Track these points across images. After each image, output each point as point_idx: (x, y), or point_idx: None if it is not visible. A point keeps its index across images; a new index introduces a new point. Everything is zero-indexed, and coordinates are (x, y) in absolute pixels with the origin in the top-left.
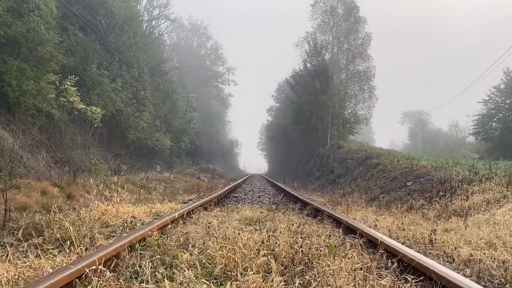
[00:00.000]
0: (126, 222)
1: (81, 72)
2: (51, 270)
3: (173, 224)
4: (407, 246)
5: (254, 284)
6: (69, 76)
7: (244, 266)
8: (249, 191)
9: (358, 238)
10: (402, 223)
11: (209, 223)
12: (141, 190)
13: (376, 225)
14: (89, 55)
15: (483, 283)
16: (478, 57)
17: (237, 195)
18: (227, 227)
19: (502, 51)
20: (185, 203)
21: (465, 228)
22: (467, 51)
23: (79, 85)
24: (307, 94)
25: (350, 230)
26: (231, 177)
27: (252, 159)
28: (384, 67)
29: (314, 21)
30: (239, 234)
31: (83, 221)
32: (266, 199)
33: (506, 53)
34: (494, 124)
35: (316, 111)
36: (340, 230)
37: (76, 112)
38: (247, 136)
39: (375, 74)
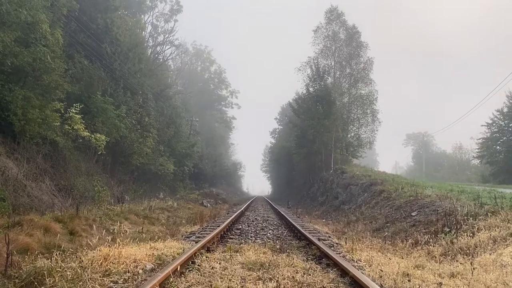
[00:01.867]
0: (128, 272)
1: (86, 99)
2: None
3: (175, 277)
4: None
5: None
6: (74, 104)
7: None
8: (253, 220)
9: None
10: (407, 268)
11: (212, 268)
12: (144, 221)
13: (381, 276)
14: (94, 82)
15: None
16: (481, 80)
17: (240, 226)
18: (231, 279)
19: (505, 74)
20: (188, 237)
21: (472, 273)
22: (470, 74)
23: (83, 112)
24: (310, 118)
25: (356, 284)
26: (234, 201)
27: (256, 181)
28: (387, 88)
29: (316, 46)
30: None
31: (84, 270)
32: (270, 231)
33: (507, 78)
34: (498, 147)
35: (319, 135)
36: (346, 280)
37: (81, 140)
38: (251, 157)
39: (377, 98)
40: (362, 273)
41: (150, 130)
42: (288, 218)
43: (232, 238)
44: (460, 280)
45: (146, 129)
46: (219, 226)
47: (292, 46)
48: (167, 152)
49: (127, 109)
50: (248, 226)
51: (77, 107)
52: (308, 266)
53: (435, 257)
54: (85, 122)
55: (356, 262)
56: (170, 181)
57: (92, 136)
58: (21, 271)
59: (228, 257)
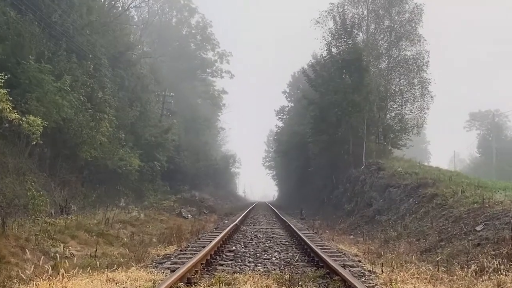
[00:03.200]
0: None
1: (12, 67)
2: None
3: None
4: None
5: None
6: None
7: None
8: (252, 238)
9: None
10: None
11: None
12: (99, 240)
13: None
14: (24, 42)
15: None
16: None
17: (234, 247)
18: None
19: None
20: (160, 263)
21: None
22: None
23: (10, 85)
24: (332, 92)
25: None
26: (226, 211)
27: (256, 181)
28: (441, 52)
29: None
30: None
31: None
32: (276, 254)
33: None
34: None
35: (345, 116)
36: None
37: (6, 125)
38: (249, 148)
39: (429, 63)
40: None
41: (105, 110)
42: (301, 235)
43: (222, 265)
44: None
45: (100, 108)
46: (204, 247)
47: None
48: (130, 141)
49: (73, 80)
50: (246, 246)
51: (1, 78)
52: None
53: None
54: (13, 100)
55: None
56: (135, 182)
57: (24, 119)
58: None
59: None
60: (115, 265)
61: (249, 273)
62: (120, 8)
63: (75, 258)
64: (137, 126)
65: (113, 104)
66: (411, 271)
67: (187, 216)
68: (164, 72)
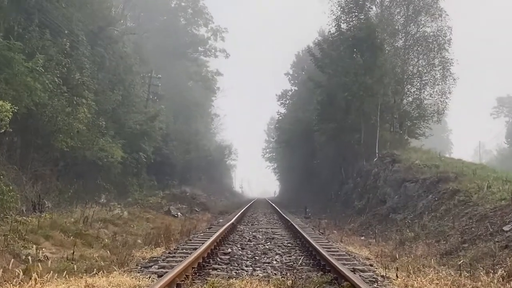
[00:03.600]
0: None
1: None
2: None
3: None
4: None
5: None
6: None
7: None
8: (250, 239)
9: None
10: None
11: None
12: (77, 241)
13: None
14: None
15: None
16: None
17: (229, 250)
18: None
19: None
20: (146, 267)
21: None
22: None
23: None
24: (341, 73)
25: None
26: (221, 208)
27: (255, 175)
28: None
29: None
30: None
31: None
32: (277, 257)
33: None
34: None
35: (356, 101)
36: None
37: None
38: (247, 138)
39: (451, 40)
40: None
41: (83, 94)
42: (306, 236)
43: (216, 269)
44: None
45: (77, 92)
46: (196, 249)
47: None
48: (112, 129)
49: (46, 59)
50: (243, 248)
51: None
52: None
53: None
54: None
55: None
56: (117, 176)
57: None
58: None
59: None
60: (94, 269)
61: (247, 278)
62: None
63: (50, 261)
64: (120, 112)
65: (92, 87)
66: (429, 276)
67: (177, 214)
68: (150, 51)
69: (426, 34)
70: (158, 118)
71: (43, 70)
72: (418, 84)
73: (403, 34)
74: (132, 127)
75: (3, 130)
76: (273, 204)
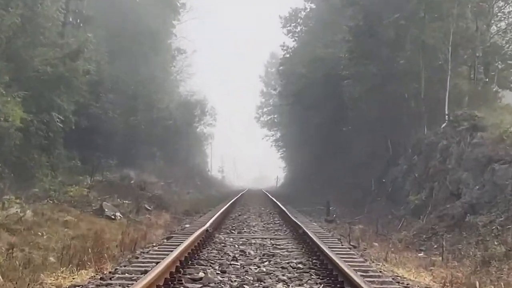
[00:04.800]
0: None
1: None
2: None
3: None
4: None
5: None
6: None
7: None
8: (236, 257)
9: None
10: None
11: None
12: None
13: None
14: None
15: None
16: None
17: (201, 274)
18: None
19: None
20: None
21: None
22: None
23: None
24: None
25: None
26: (186, 206)
27: (246, 151)
28: None
29: None
30: None
31: None
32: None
33: None
34: None
35: (414, 29)
36: None
37: None
38: (232, 90)
39: None
40: None
41: None
42: (327, 251)
43: None
44: None
45: None
46: (145, 272)
47: None
48: (5, 72)
49: None
50: (223, 272)
51: None
52: None
53: None
54: None
55: None
56: (15, 151)
57: None
58: None
59: None
60: None
61: None
62: None
63: None
64: (19, 44)
65: None
66: None
67: (114, 215)
68: None
69: None
70: (83, 55)
71: None
72: None
73: None
74: (39, 70)
75: None
76: (273, 198)
